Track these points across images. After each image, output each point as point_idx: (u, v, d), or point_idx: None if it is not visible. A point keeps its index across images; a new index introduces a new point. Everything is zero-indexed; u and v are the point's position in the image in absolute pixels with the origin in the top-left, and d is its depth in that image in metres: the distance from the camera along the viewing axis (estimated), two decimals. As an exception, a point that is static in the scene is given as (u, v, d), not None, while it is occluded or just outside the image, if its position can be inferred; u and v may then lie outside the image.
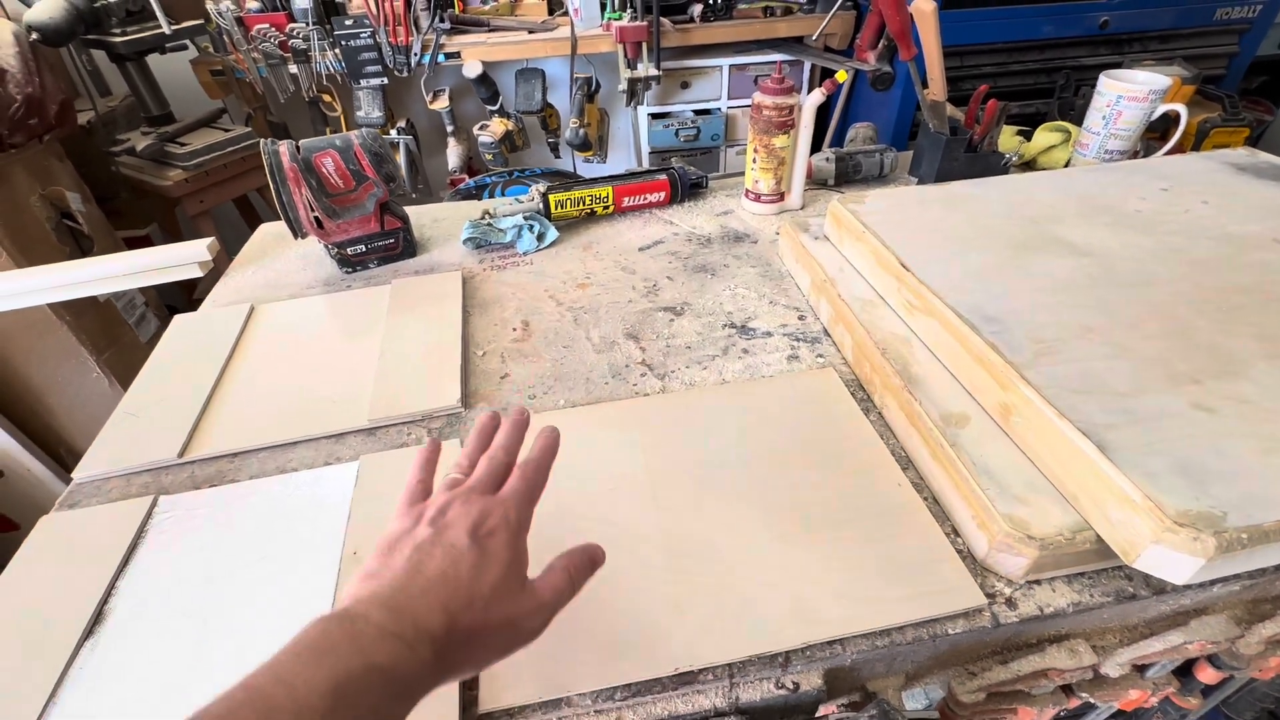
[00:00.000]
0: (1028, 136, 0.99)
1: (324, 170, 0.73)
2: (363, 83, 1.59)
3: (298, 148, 0.72)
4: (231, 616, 0.42)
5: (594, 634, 0.40)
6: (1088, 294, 0.53)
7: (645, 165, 1.90)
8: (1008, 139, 0.97)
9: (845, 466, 0.51)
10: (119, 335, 1.37)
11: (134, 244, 1.56)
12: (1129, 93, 0.83)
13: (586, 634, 0.40)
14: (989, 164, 0.88)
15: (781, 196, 0.87)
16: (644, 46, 1.59)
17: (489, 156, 1.75)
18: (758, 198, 0.87)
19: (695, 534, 0.46)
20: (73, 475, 0.55)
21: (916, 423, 0.50)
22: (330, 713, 0.24)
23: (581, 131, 1.71)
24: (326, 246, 0.79)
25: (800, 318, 0.69)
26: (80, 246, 1.31)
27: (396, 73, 1.58)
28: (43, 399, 1.28)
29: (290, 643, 0.26)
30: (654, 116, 1.81)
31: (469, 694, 0.38)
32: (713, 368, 0.62)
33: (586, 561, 0.37)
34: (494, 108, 1.72)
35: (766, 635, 0.40)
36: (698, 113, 1.83)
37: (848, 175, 0.93)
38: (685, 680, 0.39)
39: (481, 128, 1.73)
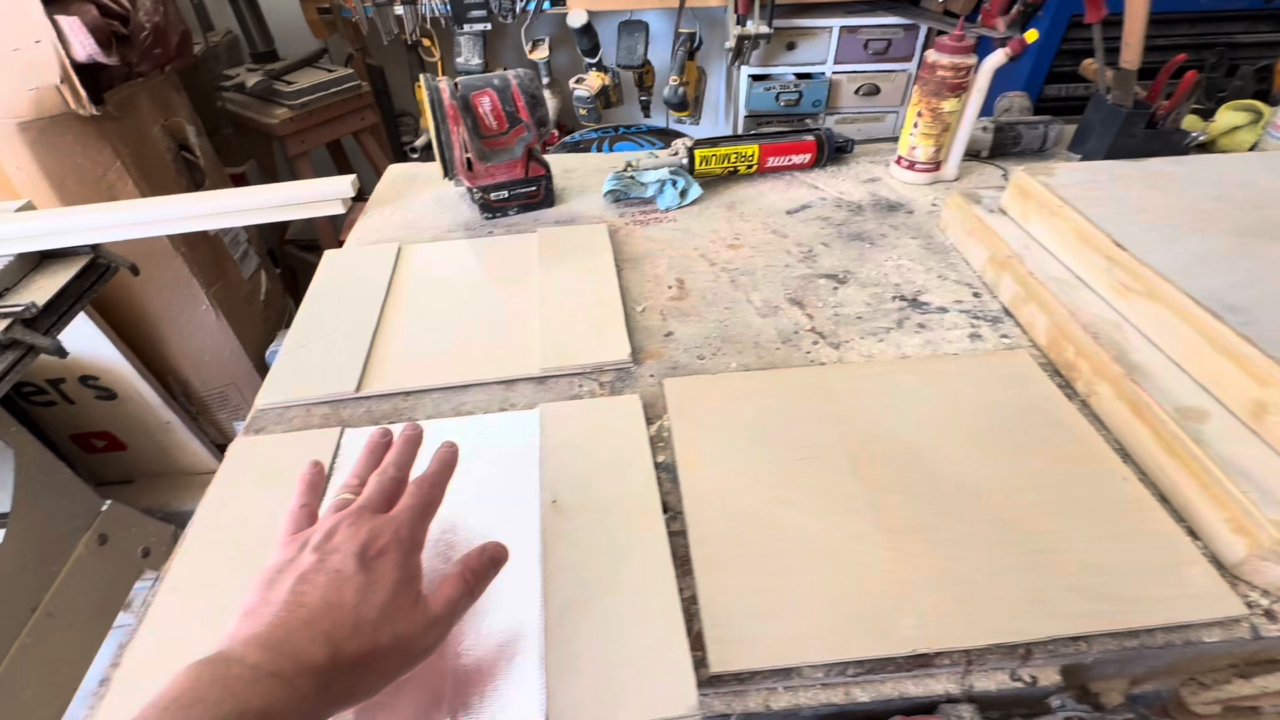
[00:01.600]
0: (1201, 115, 0.91)
1: (480, 110, 0.71)
2: (465, 28, 1.56)
3: (456, 85, 0.70)
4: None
5: (822, 607, 0.39)
6: (1346, 288, 0.48)
7: (740, 130, 1.83)
8: (1189, 118, 0.89)
9: (1059, 455, 0.47)
10: (225, 270, 1.40)
11: (234, 181, 1.58)
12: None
13: (814, 607, 0.39)
14: (1169, 143, 0.81)
15: (937, 166, 0.82)
16: (756, 2, 1.52)
17: (583, 111, 1.71)
18: (912, 165, 0.82)
19: (908, 513, 0.44)
20: (255, 402, 0.55)
21: (1144, 415, 0.47)
22: None
23: (680, 89, 1.65)
24: (470, 190, 0.78)
25: (975, 295, 0.65)
26: (193, 179, 1.34)
27: (500, 18, 1.55)
28: (156, 327, 1.33)
29: (156, 695, 0.25)
30: (755, 78, 1.74)
31: (696, 655, 0.37)
32: (889, 340, 0.59)
33: (486, 563, 0.35)
34: (592, 61, 1.67)
35: (1003, 625, 0.38)
36: (800, 76, 1.75)
37: (1005, 147, 0.87)
38: (921, 663, 0.37)
39: (578, 81, 1.69)
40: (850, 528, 0.43)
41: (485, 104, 0.71)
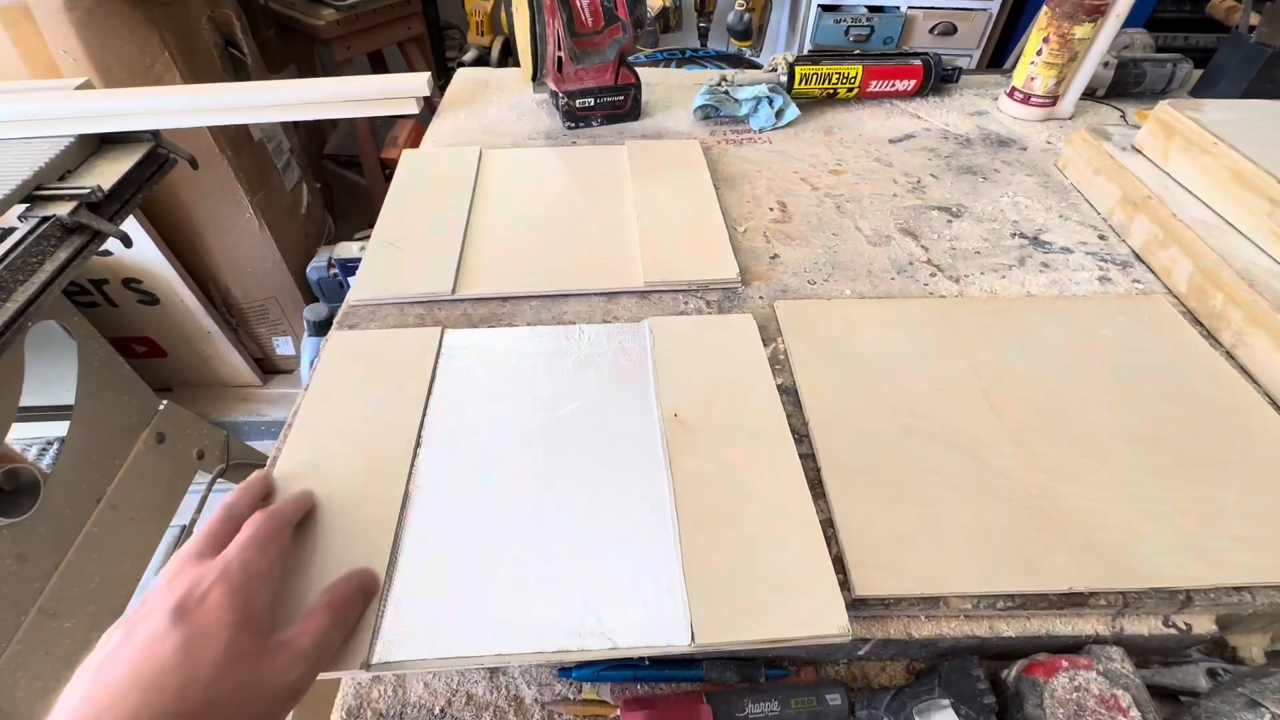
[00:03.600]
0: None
1: (577, 3, 0.66)
2: (524, -68, 1.45)
3: (554, -27, 0.64)
4: (557, 467, 0.40)
5: (969, 539, 0.37)
6: None
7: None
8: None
9: (1208, 403, 0.45)
10: (269, 178, 1.35)
11: (275, 87, 1.52)
12: None
13: (961, 538, 0.37)
14: (1313, 90, 0.75)
15: (1054, 101, 0.76)
16: (839, -80, 1.41)
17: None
18: (1026, 99, 0.76)
19: (1053, 453, 0.41)
20: (348, 297, 0.53)
21: (1310, 367, 0.43)
22: None
23: (746, 17, 1.56)
24: (554, 95, 0.73)
25: (1101, 237, 0.60)
26: (239, 78, 1.28)
27: (562, -76, 1.44)
28: (200, 234, 1.30)
29: None
30: (824, 9, 1.63)
31: (840, 577, 0.35)
32: (1011, 278, 0.56)
33: (354, 592, 0.32)
34: (655, -22, 1.57)
35: (1161, 569, 0.36)
36: (872, 9, 1.64)
37: (1125, 86, 0.81)
38: (1073, 601, 0.35)
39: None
40: (993, 463, 0.41)
41: (583, -4, 0.65)
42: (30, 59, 1.03)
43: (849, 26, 1.62)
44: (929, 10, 1.63)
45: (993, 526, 0.38)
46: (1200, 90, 0.81)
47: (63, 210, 0.68)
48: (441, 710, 0.36)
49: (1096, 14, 0.68)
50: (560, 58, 0.67)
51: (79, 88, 0.77)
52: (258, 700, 0.27)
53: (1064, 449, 0.41)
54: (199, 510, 0.99)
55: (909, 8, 1.63)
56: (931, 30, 1.66)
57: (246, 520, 0.33)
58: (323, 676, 0.30)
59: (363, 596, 0.33)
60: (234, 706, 0.26)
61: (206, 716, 0.26)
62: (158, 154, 0.80)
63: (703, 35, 1.77)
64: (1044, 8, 0.72)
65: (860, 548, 0.36)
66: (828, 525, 0.38)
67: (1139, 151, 0.63)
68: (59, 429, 0.90)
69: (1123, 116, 0.79)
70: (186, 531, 0.96)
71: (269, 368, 1.58)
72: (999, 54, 1.77)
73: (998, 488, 0.39)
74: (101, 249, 0.84)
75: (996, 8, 1.62)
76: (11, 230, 0.66)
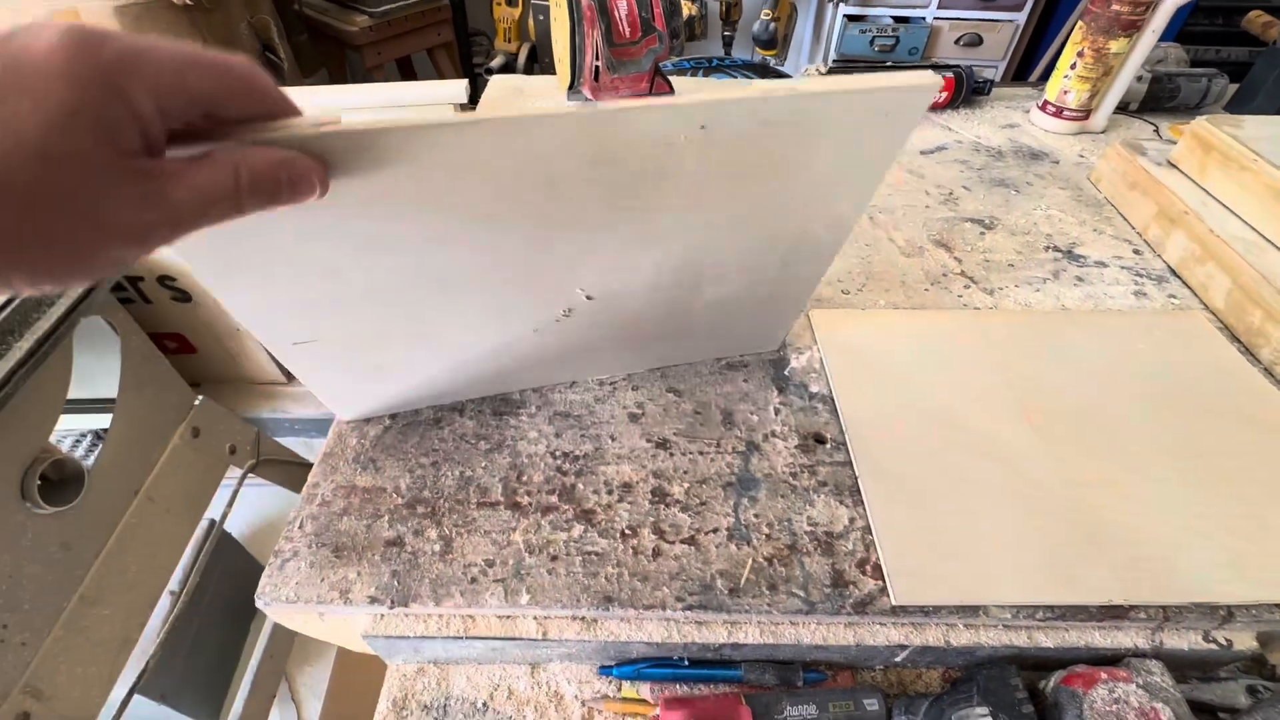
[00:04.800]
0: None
1: (616, 14, 0.67)
2: (554, -59, 1.48)
3: (594, -15, 0.66)
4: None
5: (1009, 550, 0.37)
6: None
7: (826, 74, 1.74)
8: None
9: (1250, 421, 0.44)
10: (301, 180, 1.38)
11: (307, 90, 1.55)
12: None
13: (1001, 549, 0.37)
14: (1351, 107, 0.74)
15: (1086, 115, 0.76)
16: (867, -68, 1.42)
17: (665, 42, 1.63)
18: (1059, 112, 0.76)
19: (1092, 467, 0.41)
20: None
21: (1353, 386, 0.43)
22: None
23: (772, 25, 1.56)
24: (590, 103, 0.74)
25: (1136, 252, 0.60)
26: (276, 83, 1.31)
27: (592, -66, 1.46)
28: (233, 232, 1.33)
29: None
30: (850, 19, 1.64)
31: (876, 584, 0.36)
32: (1046, 291, 0.56)
33: (275, 171, 0.22)
34: (682, -13, 1.58)
35: (1203, 585, 0.36)
36: (898, 20, 1.65)
37: (1158, 101, 0.80)
38: (1113, 614, 0.36)
39: (664, 9, 1.60)
40: (1031, 475, 0.41)
41: (621, 7, 0.66)
42: (78, 62, 1.07)
43: (874, 36, 1.63)
44: (955, 21, 1.64)
45: (1032, 538, 0.38)
46: (1236, 105, 0.81)
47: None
48: (484, 704, 0.37)
49: (1132, 29, 0.69)
50: (597, 67, 0.69)
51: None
52: (67, 217, 0.18)
53: (1103, 462, 0.42)
54: (229, 504, 1.01)
55: (935, 18, 1.64)
56: (957, 41, 1.66)
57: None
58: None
59: (286, 186, 0.23)
60: (26, 200, 0.18)
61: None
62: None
63: (727, 44, 1.78)
64: (1078, 22, 0.72)
65: (899, 555, 0.37)
66: (866, 532, 0.38)
67: (1175, 167, 0.63)
68: (95, 422, 0.92)
69: (1156, 131, 0.79)
70: (217, 526, 0.98)
71: (295, 366, 1.60)
72: (1025, 65, 1.76)
73: (1037, 499, 0.40)
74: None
75: (1023, 19, 1.62)
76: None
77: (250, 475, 1.04)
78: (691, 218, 0.34)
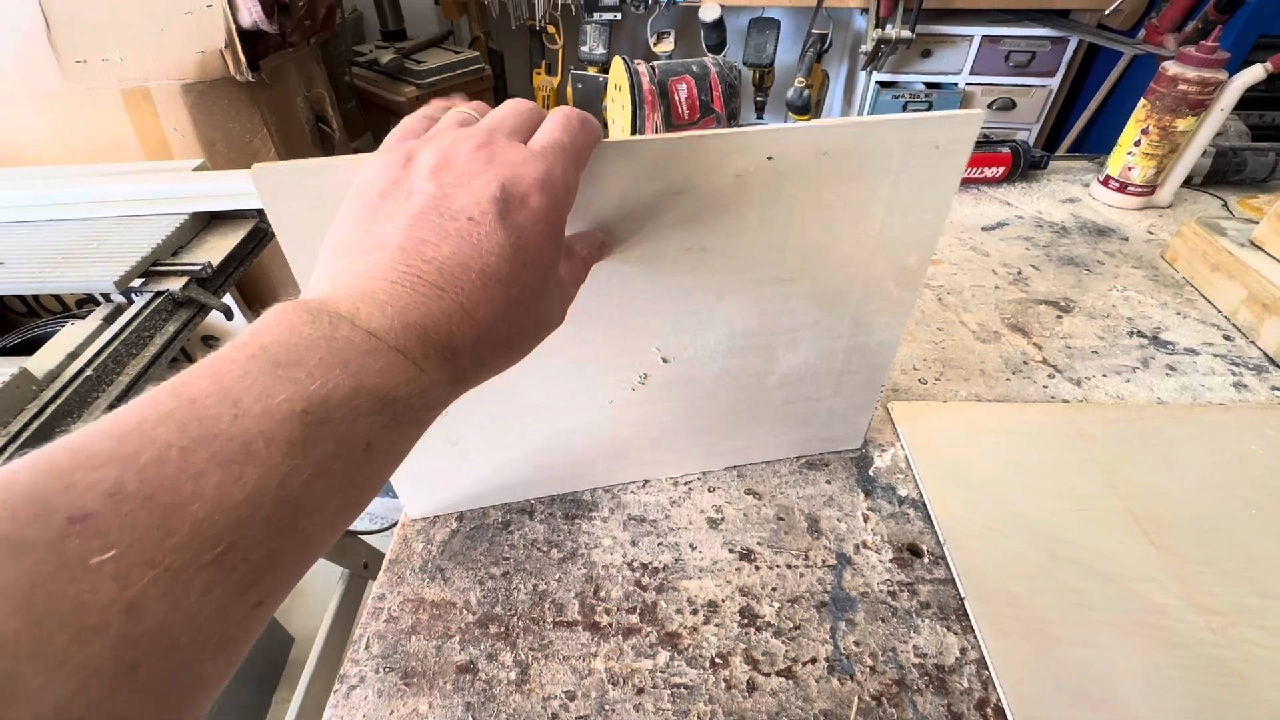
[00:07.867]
0: None
1: (675, 97, 0.68)
2: (595, 16, 1.54)
3: (654, 69, 0.67)
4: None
5: (1141, 691, 0.33)
6: None
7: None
8: None
9: (1391, 537, 0.40)
10: (345, 242, 1.41)
11: (353, 155, 1.61)
12: None
13: (1132, 689, 0.33)
14: None
15: (1152, 190, 0.74)
16: (900, 5, 1.45)
17: (700, 109, 1.67)
18: (1123, 188, 0.75)
19: (1225, 590, 0.38)
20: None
21: None
22: (297, 449, 0.16)
23: (805, 92, 1.59)
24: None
25: (1226, 338, 0.57)
26: (326, 150, 1.35)
27: (632, 9, 1.52)
28: (276, 294, 1.35)
29: (242, 337, 0.17)
30: (883, 85, 1.66)
31: (996, 706, 0.32)
32: (1137, 381, 0.53)
33: (598, 248, 0.29)
34: (717, 57, 1.63)
35: (1377, 742, 0.32)
36: (930, 86, 1.67)
37: (1224, 174, 0.79)
38: (1278, 776, 0.31)
39: (699, 77, 1.65)
40: (1156, 600, 0.37)
41: (681, 91, 0.67)
42: (144, 136, 1.11)
43: (906, 103, 1.65)
44: (987, 86, 1.65)
45: (1169, 677, 0.34)
46: (1305, 178, 0.79)
47: (175, 285, 0.71)
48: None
49: (1200, 108, 0.67)
50: (655, 147, 0.69)
51: (196, 169, 0.82)
52: (532, 335, 0.23)
53: (1235, 585, 0.38)
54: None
55: (968, 84, 1.66)
56: (990, 105, 1.68)
57: (552, 114, 0.25)
58: None
59: (602, 253, 0.30)
60: (523, 335, 0.23)
61: (506, 340, 0.22)
62: (259, 229, 0.84)
63: (759, 108, 1.82)
64: (1141, 100, 0.71)
65: (1023, 699, 0.33)
66: (980, 665, 0.35)
67: (1259, 247, 0.60)
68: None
69: (1224, 205, 0.77)
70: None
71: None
72: (1057, 130, 1.77)
73: (1168, 631, 0.36)
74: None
75: (1056, 84, 1.63)
76: (124, 305, 0.69)
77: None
78: (760, 270, 0.34)
